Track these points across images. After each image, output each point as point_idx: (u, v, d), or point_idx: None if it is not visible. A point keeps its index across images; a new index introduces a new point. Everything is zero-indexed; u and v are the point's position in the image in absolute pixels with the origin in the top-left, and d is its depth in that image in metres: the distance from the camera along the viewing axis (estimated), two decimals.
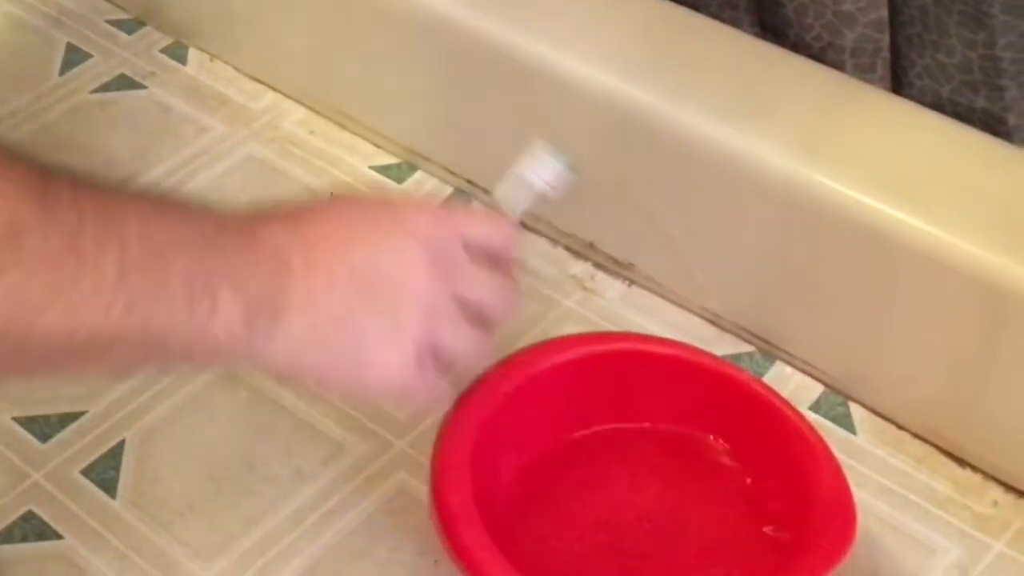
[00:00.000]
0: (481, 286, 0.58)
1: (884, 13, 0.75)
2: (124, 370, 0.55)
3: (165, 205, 0.51)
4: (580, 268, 0.84)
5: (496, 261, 0.59)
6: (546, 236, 0.85)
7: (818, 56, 0.77)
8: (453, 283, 0.56)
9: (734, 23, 0.80)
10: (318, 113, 0.93)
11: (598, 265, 0.83)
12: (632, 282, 0.82)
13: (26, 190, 0.44)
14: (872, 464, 0.74)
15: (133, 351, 0.49)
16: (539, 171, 0.61)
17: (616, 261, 0.83)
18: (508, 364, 0.69)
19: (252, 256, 0.53)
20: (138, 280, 0.47)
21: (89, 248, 0.46)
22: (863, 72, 0.77)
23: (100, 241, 0.46)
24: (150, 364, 0.52)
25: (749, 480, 0.69)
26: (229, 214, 0.54)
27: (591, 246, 0.83)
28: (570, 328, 0.80)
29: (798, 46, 0.78)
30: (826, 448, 0.66)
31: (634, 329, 0.80)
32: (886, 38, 0.76)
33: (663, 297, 0.81)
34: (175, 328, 0.49)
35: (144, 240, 0.48)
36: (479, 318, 0.58)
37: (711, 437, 0.70)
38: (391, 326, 0.55)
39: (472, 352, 0.58)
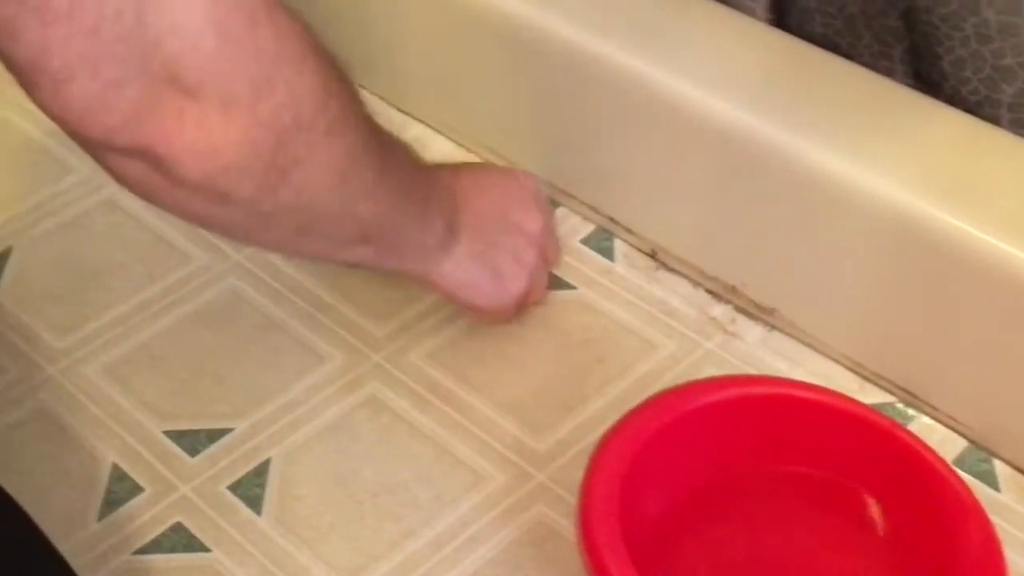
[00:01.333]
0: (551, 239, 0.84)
1: None
2: (357, 253, 0.69)
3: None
4: (721, 311, 0.84)
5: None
6: (688, 278, 0.85)
7: (973, 110, 0.77)
8: (545, 230, 0.82)
9: (888, 73, 0.80)
10: (461, 146, 0.95)
11: (739, 309, 0.83)
12: (773, 327, 0.82)
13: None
14: (1017, 523, 0.73)
15: (377, 240, 0.68)
16: None
17: (758, 305, 0.83)
18: (654, 403, 0.70)
19: (442, 191, 0.73)
20: (395, 185, 0.67)
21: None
22: (1020, 127, 0.76)
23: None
24: (377, 254, 0.69)
25: (895, 532, 0.69)
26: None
27: (733, 289, 0.83)
28: (709, 370, 0.80)
29: (953, 99, 0.77)
30: (977, 505, 0.66)
31: (774, 375, 0.80)
32: None
33: (804, 343, 0.81)
34: (408, 226, 0.69)
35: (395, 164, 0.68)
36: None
37: (858, 486, 0.69)
38: (516, 253, 0.78)
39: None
